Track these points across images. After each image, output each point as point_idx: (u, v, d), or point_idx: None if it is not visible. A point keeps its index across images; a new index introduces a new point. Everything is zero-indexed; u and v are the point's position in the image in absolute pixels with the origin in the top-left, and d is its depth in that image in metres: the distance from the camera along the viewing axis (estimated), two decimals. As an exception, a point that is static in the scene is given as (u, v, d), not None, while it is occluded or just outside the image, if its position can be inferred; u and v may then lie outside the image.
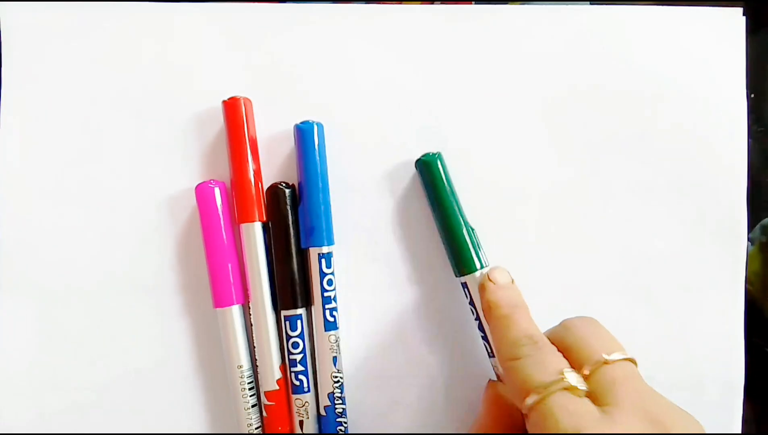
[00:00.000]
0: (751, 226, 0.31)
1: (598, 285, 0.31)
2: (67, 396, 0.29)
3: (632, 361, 0.22)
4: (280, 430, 0.28)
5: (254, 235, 0.28)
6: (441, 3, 0.31)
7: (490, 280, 0.26)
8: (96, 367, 0.29)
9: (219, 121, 0.30)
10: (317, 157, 0.28)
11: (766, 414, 0.31)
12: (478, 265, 0.28)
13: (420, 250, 0.30)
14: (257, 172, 0.29)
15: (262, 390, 0.28)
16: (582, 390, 0.21)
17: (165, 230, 0.30)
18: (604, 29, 0.31)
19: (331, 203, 0.29)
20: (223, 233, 0.28)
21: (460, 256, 0.28)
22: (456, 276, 0.29)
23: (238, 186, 0.28)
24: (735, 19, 0.31)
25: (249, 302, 0.29)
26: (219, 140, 0.30)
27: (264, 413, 0.29)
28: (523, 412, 0.22)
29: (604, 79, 0.31)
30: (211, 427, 0.29)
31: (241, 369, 0.28)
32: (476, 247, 0.28)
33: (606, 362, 0.22)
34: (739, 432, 0.30)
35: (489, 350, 0.28)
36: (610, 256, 0.31)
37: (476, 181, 0.30)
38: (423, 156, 0.29)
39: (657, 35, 0.31)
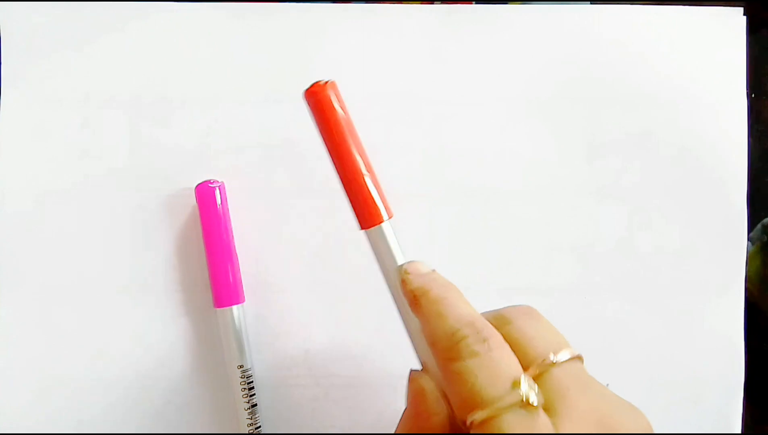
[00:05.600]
0: (751, 226, 0.31)
1: (598, 285, 0.30)
2: (66, 396, 0.29)
3: (579, 358, 0.21)
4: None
5: (384, 236, 0.23)
6: (441, 3, 0.31)
7: (408, 272, 0.22)
8: (96, 367, 0.29)
9: (218, 121, 0.30)
10: None
11: (766, 414, 0.31)
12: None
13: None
14: (368, 167, 0.23)
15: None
16: (536, 405, 0.18)
17: (165, 230, 0.30)
18: (604, 29, 0.31)
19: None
20: (223, 233, 0.28)
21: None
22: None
23: (354, 190, 0.23)
24: (735, 18, 0.31)
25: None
26: (217, 140, 0.30)
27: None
28: (466, 425, 0.19)
29: (603, 78, 0.31)
30: (211, 427, 0.29)
31: (241, 369, 0.28)
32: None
33: (553, 364, 0.20)
34: (739, 432, 0.30)
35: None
36: (609, 256, 0.31)
37: (477, 181, 0.30)
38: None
39: (657, 35, 0.31)
